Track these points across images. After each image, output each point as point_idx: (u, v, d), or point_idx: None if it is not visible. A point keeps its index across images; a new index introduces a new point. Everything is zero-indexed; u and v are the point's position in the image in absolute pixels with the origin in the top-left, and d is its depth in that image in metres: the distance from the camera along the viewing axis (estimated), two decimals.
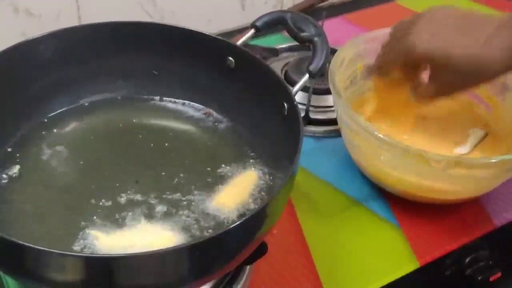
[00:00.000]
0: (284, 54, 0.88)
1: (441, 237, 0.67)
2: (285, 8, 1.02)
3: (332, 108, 0.79)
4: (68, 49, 0.64)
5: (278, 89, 0.58)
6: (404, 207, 0.70)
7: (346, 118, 0.67)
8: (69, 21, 0.87)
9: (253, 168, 0.61)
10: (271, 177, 0.60)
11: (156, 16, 0.94)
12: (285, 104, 0.58)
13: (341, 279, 0.63)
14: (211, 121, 0.67)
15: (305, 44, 0.61)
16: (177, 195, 0.58)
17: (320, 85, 0.79)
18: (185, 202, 0.57)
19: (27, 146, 0.62)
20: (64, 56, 0.63)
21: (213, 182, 0.60)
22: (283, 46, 0.88)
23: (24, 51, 0.59)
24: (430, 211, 0.69)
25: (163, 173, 0.60)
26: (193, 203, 0.57)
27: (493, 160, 0.62)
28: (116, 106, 0.67)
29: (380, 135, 0.63)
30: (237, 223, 0.47)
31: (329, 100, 0.80)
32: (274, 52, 0.87)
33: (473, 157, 0.71)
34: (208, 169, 0.61)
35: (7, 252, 0.45)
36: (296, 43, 0.63)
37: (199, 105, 0.68)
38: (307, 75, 0.58)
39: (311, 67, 0.58)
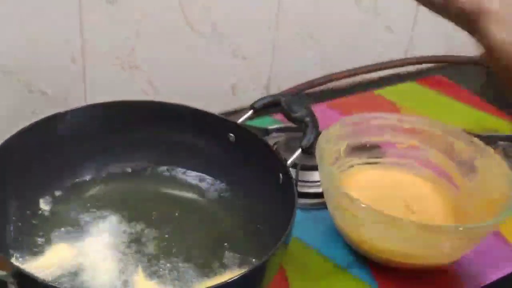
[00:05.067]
0: (274, 134, 0.96)
1: None
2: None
3: (318, 183, 0.87)
4: (84, 125, 0.73)
5: (275, 162, 0.66)
6: (385, 273, 0.76)
7: (331, 189, 0.74)
8: (77, 102, 0.94)
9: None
10: None
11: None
12: (281, 175, 0.66)
13: None
14: (215, 190, 0.75)
15: (297, 123, 0.70)
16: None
17: (307, 162, 0.87)
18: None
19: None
20: (83, 131, 0.73)
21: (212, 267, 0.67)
22: (273, 127, 0.97)
23: (50, 126, 0.69)
24: (410, 277, 0.75)
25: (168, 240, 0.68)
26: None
27: (460, 228, 0.69)
28: (129, 176, 0.76)
29: (361, 204, 0.69)
30: (234, 278, 0.53)
31: (314, 175, 0.88)
32: (265, 132, 0.96)
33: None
34: (212, 248, 0.69)
35: None
36: (284, 124, 0.70)
37: (204, 175, 0.76)
38: (299, 150, 0.66)
39: (303, 143, 0.66)
